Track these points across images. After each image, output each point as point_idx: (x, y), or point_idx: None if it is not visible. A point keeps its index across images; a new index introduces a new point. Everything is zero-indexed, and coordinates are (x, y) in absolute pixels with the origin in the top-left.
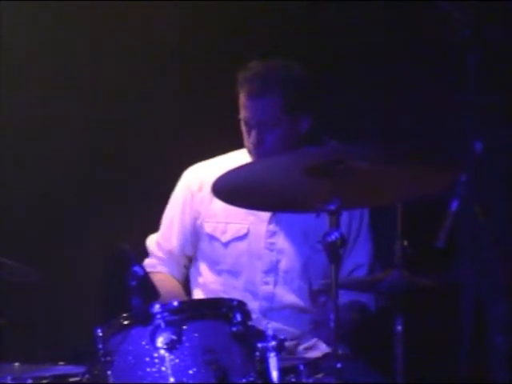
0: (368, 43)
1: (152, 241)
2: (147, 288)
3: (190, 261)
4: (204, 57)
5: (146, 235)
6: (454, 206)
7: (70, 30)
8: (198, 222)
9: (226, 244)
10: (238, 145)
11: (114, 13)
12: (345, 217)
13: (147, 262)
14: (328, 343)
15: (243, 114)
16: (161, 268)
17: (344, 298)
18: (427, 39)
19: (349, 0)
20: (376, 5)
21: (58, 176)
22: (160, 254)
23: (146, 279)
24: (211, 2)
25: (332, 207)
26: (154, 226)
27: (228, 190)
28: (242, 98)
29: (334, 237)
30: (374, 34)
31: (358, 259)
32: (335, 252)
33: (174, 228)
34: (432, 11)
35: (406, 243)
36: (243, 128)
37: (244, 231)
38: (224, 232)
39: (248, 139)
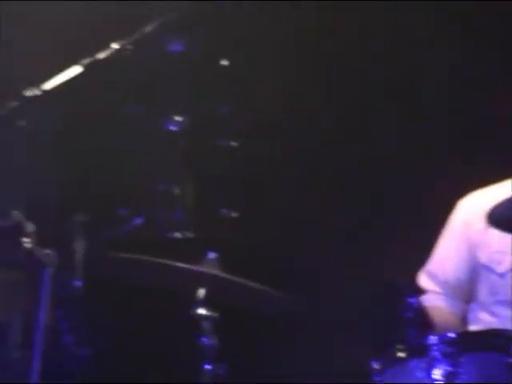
0: None
1: (425, 275)
2: (423, 320)
3: (469, 296)
4: None
5: (416, 267)
6: None
7: None
8: (474, 252)
9: (502, 275)
10: None
11: None
12: None
13: (423, 297)
14: None
15: None
16: (438, 302)
17: None
18: None
19: None
20: None
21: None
22: (434, 287)
23: (421, 311)
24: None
25: None
26: (425, 257)
27: (503, 218)
28: None
29: None
30: None
31: None
32: None
33: (450, 259)
34: None
35: None
36: None
37: None
38: (500, 262)
39: None
